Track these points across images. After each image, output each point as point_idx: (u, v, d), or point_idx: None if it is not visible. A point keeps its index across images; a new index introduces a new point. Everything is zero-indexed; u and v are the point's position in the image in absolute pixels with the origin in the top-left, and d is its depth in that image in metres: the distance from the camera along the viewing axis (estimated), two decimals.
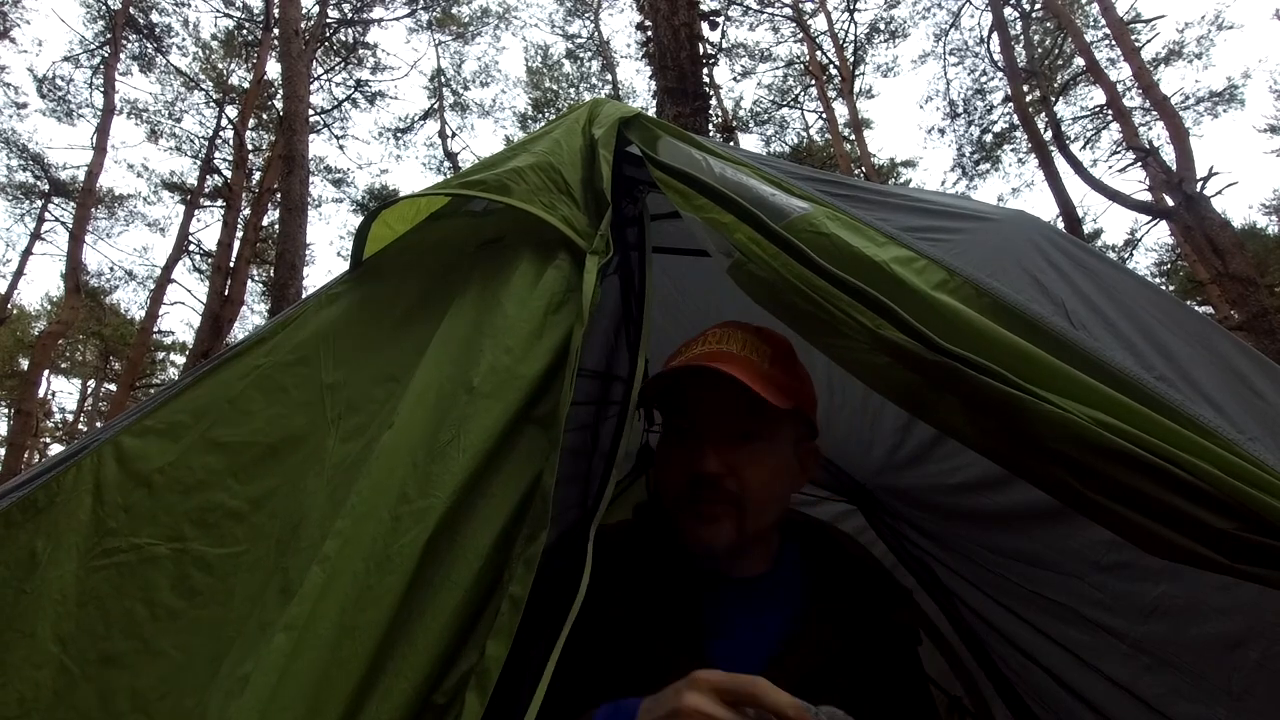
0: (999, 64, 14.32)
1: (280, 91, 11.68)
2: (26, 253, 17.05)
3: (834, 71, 18.58)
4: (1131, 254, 17.59)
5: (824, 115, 19.22)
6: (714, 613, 0.89)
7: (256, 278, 17.10)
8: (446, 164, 19.67)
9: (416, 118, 20.18)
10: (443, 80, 20.10)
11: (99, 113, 14.37)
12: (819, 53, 18.90)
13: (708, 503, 0.86)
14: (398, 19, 18.28)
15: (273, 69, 15.62)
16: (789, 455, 0.92)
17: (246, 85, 16.69)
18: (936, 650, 1.81)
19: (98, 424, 23.67)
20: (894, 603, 0.96)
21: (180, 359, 20.10)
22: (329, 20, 16.44)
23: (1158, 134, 13.55)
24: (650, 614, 0.89)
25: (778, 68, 20.52)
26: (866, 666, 0.88)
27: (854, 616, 0.90)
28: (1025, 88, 13.98)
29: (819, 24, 19.19)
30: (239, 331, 13.77)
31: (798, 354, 0.97)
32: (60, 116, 16.18)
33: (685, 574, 0.93)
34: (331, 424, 0.83)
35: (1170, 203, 10.97)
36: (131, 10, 15.60)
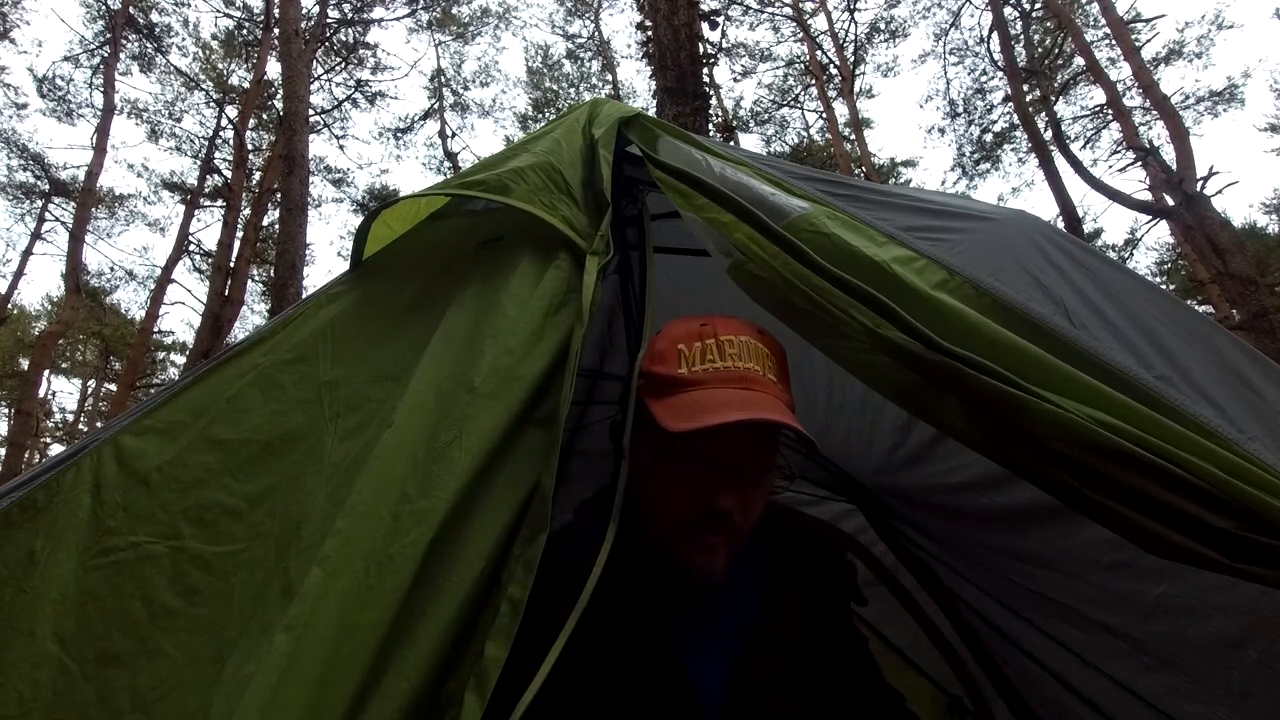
0: (999, 63, 14.31)
1: (280, 91, 11.68)
2: (27, 253, 17.04)
3: (834, 71, 18.57)
4: (1131, 253, 17.59)
5: (824, 115, 19.21)
6: (685, 619, 0.87)
7: (257, 278, 17.10)
8: (446, 164, 19.67)
9: (416, 118, 20.18)
10: (443, 80, 20.11)
11: (99, 113, 14.37)
12: (819, 52, 18.90)
13: (710, 532, 0.83)
14: (398, 19, 18.28)
15: (273, 69, 15.64)
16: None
17: (246, 85, 16.68)
18: (937, 650, 1.81)
19: (98, 424, 23.69)
20: (834, 575, 0.95)
21: (180, 359, 20.11)
22: (329, 20, 16.42)
23: (1158, 133, 13.55)
24: (617, 631, 0.85)
25: (778, 67, 20.54)
26: (828, 647, 0.88)
27: (814, 598, 0.90)
28: (1025, 87, 13.97)
29: (819, 23, 19.21)
30: (239, 331, 13.78)
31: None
32: (60, 116, 16.17)
33: (649, 583, 0.89)
34: (330, 422, 0.83)
35: (1170, 202, 10.96)
36: (131, 10, 15.59)
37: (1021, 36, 14.85)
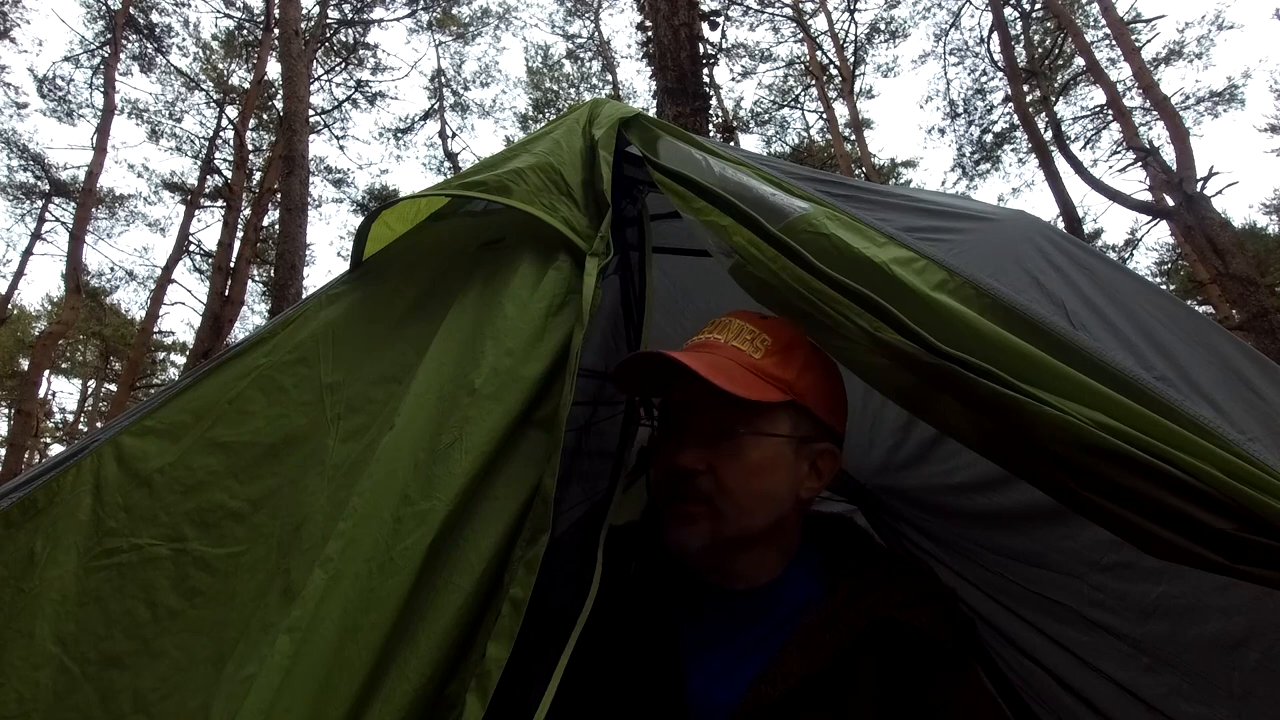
0: (999, 64, 14.31)
1: (280, 92, 11.68)
2: (27, 253, 17.02)
3: (834, 72, 18.58)
4: (1132, 254, 17.58)
5: (824, 115, 19.22)
6: (700, 629, 0.85)
7: (257, 278, 17.12)
8: (447, 164, 19.68)
9: (417, 118, 20.19)
10: (443, 80, 20.12)
11: (99, 113, 14.36)
12: (819, 53, 18.90)
13: (683, 500, 0.82)
14: (398, 19, 18.28)
15: (273, 69, 15.64)
16: (784, 452, 0.83)
17: (247, 85, 16.68)
18: None
19: (98, 424, 23.67)
20: (918, 605, 0.82)
21: (180, 359, 20.12)
22: (329, 20, 16.44)
23: (1158, 134, 13.55)
24: (632, 625, 0.85)
25: (778, 68, 20.55)
26: (879, 686, 0.78)
27: (870, 628, 0.79)
28: (1025, 88, 13.97)
29: (819, 24, 19.22)
30: (239, 332, 13.78)
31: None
32: (61, 116, 16.18)
33: (675, 583, 0.89)
34: (331, 424, 0.83)
35: (1170, 203, 10.97)
36: (131, 10, 15.59)
37: (1021, 37, 14.86)
